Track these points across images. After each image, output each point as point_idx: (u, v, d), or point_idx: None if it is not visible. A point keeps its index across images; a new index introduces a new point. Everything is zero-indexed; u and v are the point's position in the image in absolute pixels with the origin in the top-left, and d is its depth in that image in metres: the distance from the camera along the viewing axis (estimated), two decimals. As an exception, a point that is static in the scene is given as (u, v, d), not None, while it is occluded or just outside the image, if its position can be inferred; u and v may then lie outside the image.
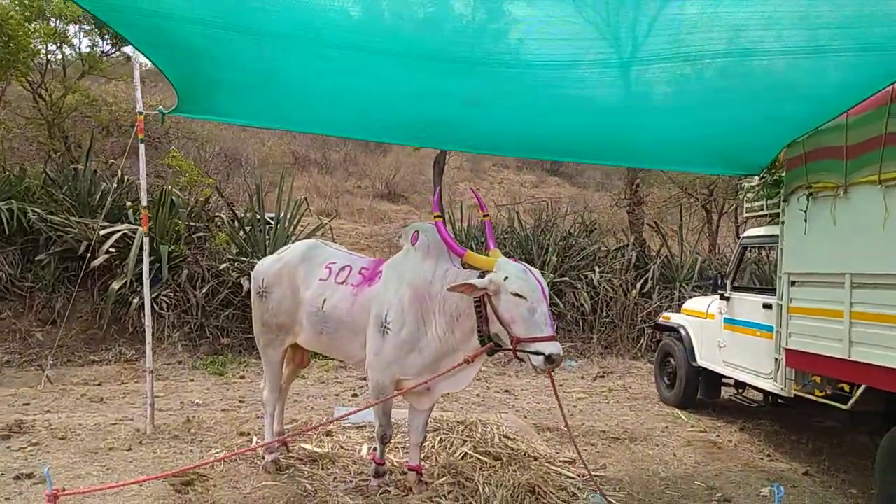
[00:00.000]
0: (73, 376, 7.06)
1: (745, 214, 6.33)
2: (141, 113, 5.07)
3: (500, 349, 3.51)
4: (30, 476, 4.04)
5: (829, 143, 4.47)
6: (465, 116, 4.44)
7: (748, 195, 6.06)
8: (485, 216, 3.96)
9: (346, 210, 15.34)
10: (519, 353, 3.28)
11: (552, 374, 3.41)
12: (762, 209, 5.79)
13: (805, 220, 4.70)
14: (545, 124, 4.49)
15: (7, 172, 9.39)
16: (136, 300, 7.98)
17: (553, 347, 3.17)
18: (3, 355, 7.44)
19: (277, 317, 4.20)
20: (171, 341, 8.11)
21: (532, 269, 3.40)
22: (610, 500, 3.88)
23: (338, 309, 3.90)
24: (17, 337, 7.78)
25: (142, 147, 5.08)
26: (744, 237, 6.21)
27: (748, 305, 5.72)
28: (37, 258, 8.36)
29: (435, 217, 3.70)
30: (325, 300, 3.95)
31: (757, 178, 5.77)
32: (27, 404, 5.89)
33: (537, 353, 3.19)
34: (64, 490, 3.48)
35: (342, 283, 3.95)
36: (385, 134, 5.15)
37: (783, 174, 5.15)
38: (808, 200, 4.67)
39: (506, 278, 3.30)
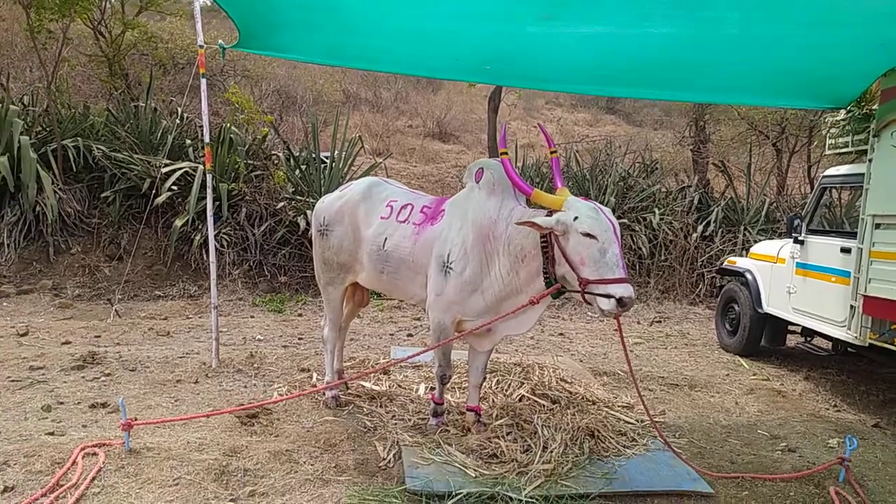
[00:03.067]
0: (140, 310, 7.32)
1: (828, 152, 5.92)
2: (202, 46, 4.96)
3: (566, 291, 3.39)
4: (104, 405, 4.21)
5: (934, 72, 4.08)
6: (533, 44, 4.19)
7: (832, 131, 5.66)
8: (552, 152, 3.77)
9: (398, 149, 15.20)
10: (587, 296, 3.16)
11: (619, 318, 3.29)
12: (847, 146, 5.40)
13: None
14: (619, 51, 4.20)
15: (72, 110, 9.58)
16: (197, 237, 8.16)
17: (625, 290, 3.02)
18: (74, 289, 7.76)
19: (338, 255, 4.18)
20: (232, 278, 8.30)
21: (603, 207, 3.23)
22: (671, 445, 3.80)
23: (399, 248, 3.83)
24: (86, 272, 8.09)
25: (203, 82, 5.00)
26: (824, 176, 5.83)
27: (824, 249, 5.43)
28: (102, 195, 8.59)
29: (501, 154, 3.53)
30: (386, 239, 3.89)
31: (843, 111, 5.36)
32: (98, 336, 6.13)
33: (608, 296, 3.05)
34: (136, 420, 3.64)
35: (404, 221, 3.88)
36: (449, 69, 4.96)
37: (875, 107, 4.75)
38: None
39: (575, 218, 3.14)
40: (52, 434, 3.69)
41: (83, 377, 4.80)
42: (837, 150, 5.68)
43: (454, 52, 4.47)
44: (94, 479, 3.15)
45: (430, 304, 3.73)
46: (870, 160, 4.76)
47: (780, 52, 4.17)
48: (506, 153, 3.56)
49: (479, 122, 17.08)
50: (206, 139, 5.21)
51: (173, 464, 3.35)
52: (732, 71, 4.54)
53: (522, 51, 4.33)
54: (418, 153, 15.37)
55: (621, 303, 3.02)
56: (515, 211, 3.52)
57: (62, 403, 4.23)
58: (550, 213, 3.30)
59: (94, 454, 3.39)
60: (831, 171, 5.80)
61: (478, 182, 3.69)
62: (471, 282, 3.57)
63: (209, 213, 5.23)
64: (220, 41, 4.84)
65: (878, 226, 4.63)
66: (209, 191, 5.26)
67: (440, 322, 3.70)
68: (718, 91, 5.17)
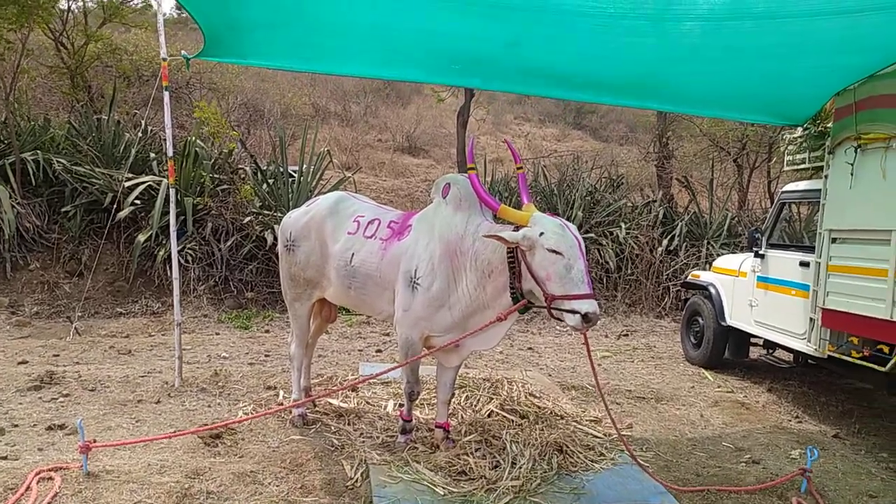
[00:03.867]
0: (100, 328, 7.14)
1: (786, 168, 6.10)
2: (165, 59, 4.91)
3: (532, 307, 3.41)
4: (62, 427, 4.09)
5: (884, 92, 4.23)
6: (503, 56, 4.23)
7: (789, 148, 5.83)
8: (518, 168, 3.80)
9: (367, 163, 15.17)
10: (553, 312, 3.18)
11: (586, 332, 3.31)
12: (804, 162, 5.56)
13: (851, 174, 4.49)
14: (586, 66, 4.28)
15: (32, 122, 9.35)
16: (161, 253, 7.99)
17: (590, 306, 3.05)
18: (32, 306, 7.53)
19: (305, 271, 4.14)
20: (197, 294, 8.15)
21: (569, 224, 3.26)
22: (638, 460, 3.83)
23: (366, 263, 3.82)
24: (45, 288, 7.86)
25: (166, 95, 4.95)
26: (783, 192, 5.99)
27: (784, 263, 5.56)
28: (63, 209, 8.37)
29: (469, 169, 3.55)
30: (353, 254, 3.87)
31: (800, 129, 5.53)
32: (57, 355, 5.96)
33: (573, 312, 3.07)
34: (95, 442, 3.53)
35: (371, 236, 3.86)
36: (417, 72, 4.95)
37: (830, 125, 4.91)
38: (856, 153, 4.46)
39: (541, 234, 3.17)
40: (5, 458, 3.56)
41: (40, 398, 4.65)
42: (795, 167, 5.84)
43: (426, 53, 4.46)
44: (48, 504, 3.05)
45: (398, 320, 3.71)
46: (826, 176, 4.90)
47: (740, 73, 4.31)
48: (474, 168, 3.58)
49: (448, 136, 17.16)
50: (170, 152, 5.13)
51: (133, 487, 3.25)
52: (694, 83, 4.65)
53: (493, 58, 4.36)
54: (388, 167, 15.36)
55: (586, 318, 3.05)
56: (482, 226, 3.53)
57: (17, 426, 4.09)
58: (517, 229, 3.32)
59: (50, 478, 3.28)
60: (790, 186, 5.96)
61: (445, 197, 3.70)
62: (438, 297, 3.56)
63: (172, 227, 5.14)
64: (182, 51, 4.77)
65: (834, 240, 4.76)
66: (172, 205, 5.17)
67: (408, 338, 3.69)
68: (681, 102, 5.31)
